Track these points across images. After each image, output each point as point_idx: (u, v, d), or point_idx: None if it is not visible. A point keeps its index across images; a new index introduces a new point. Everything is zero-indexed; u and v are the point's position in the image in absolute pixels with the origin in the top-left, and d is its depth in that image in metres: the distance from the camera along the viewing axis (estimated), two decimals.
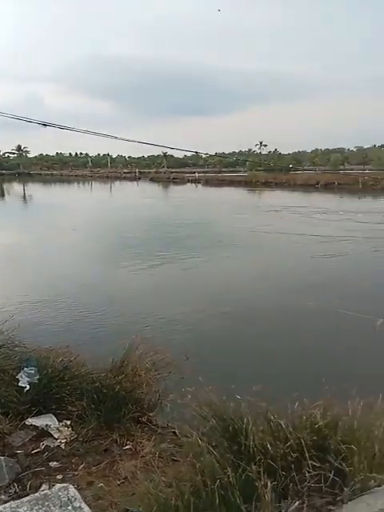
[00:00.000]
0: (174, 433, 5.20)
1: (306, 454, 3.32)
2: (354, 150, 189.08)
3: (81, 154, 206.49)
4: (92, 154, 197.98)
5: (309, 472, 3.31)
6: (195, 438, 3.60)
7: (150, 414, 5.57)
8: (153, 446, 4.86)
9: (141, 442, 5.00)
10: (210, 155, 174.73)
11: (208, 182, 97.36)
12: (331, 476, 3.24)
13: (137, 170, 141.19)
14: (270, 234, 26.15)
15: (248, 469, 3.31)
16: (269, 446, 3.38)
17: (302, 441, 3.37)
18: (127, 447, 4.96)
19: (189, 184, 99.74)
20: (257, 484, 3.17)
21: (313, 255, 20.09)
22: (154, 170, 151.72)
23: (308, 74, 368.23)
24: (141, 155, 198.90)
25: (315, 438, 3.41)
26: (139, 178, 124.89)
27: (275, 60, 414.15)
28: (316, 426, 3.46)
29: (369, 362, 8.71)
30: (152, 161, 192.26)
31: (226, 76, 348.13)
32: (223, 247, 22.23)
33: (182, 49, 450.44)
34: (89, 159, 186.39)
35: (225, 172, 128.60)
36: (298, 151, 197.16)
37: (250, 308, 12.51)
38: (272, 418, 3.59)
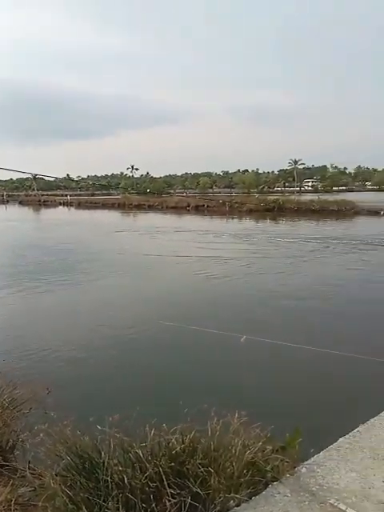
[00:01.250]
0: (33, 474, 4.82)
1: (165, 483, 3.23)
2: (221, 173, 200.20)
3: None
4: None
5: (169, 500, 3.22)
6: (48, 479, 3.35)
7: (8, 457, 5.12)
8: (9, 492, 4.44)
9: None
10: (82, 178, 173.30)
11: (81, 205, 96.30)
12: (189, 501, 3.19)
13: (4, 193, 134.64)
14: (150, 257, 26.15)
15: (105, 506, 3.14)
16: (126, 478, 3.24)
17: (161, 469, 3.27)
18: None
19: (61, 207, 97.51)
20: None
21: (191, 276, 20.42)
22: (23, 193, 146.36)
23: (180, 100, 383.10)
24: (8, 178, 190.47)
25: (173, 464, 3.33)
26: (7, 202, 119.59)
27: (145, 85, 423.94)
28: (174, 452, 3.39)
29: (227, 380, 8.82)
30: (21, 183, 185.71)
31: (97, 101, 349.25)
32: (92, 272, 21.68)
33: (52, 73, 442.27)
34: None
35: (98, 195, 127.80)
36: (169, 175, 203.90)
37: (111, 333, 12.08)
38: (130, 448, 3.46)
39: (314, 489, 3.39)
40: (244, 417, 3.89)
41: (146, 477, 3.25)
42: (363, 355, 6.30)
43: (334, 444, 4.05)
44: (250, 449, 3.54)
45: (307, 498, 3.28)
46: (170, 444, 3.46)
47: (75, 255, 26.56)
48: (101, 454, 3.45)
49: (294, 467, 3.68)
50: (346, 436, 4.18)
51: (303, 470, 3.66)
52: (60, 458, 3.54)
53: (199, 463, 3.35)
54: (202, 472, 3.30)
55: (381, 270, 21.42)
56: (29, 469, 4.80)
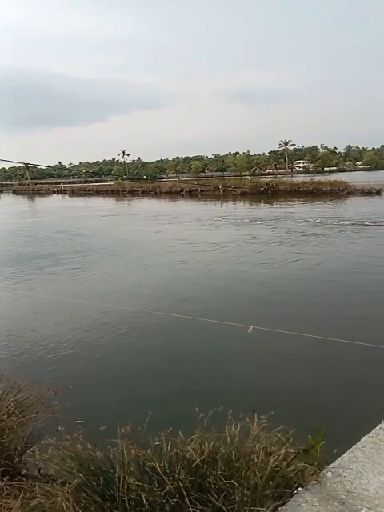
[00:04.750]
0: (43, 489, 4.62)
1: (186, 498, 3.04)
2: (212, 157, 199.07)
3: None
4: None
5: None
6: (60, 501, 3.15)
7: (17, 466, 4.92)
8: (20, 504, 4.24)
9: (6, 502, 4.35)
10: (74, 166, 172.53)
11: (74, 193, 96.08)
12: None
13: None
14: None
15: None
16: (144, 495, 3.04)
17: (180, 484, 3.07)
18: None
19: (55, 195, 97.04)
20: None
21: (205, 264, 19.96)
22: (16, 182, 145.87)
23: (166, 84, 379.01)
24: (0, 167, 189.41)
25: (193, 478, 3.13)
26: (1, 191, 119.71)
27: (130, 70, 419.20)
28: (193, 465, 3.18)
29: (240, 377, 8.26)
30: (13, 172, 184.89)
31: (83, 86, 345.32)
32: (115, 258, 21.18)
33: (35, 58, 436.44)
34: None
35: (91, 182, 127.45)
36: (161, 159, 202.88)
37: (122, 331, 11.16)
38: (146, 461, 3.26)
39: (342, 496, 3.20)
40: (263, 418, 3.70)
41: (166, 493, 3.06)
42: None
43: (358, 444, 3.85)
44: (272, 456, 3.34)
45: (337, 508, 3.08)
46: (188, 455, 3.25)
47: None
48: (115, 468, 3.25)
49: (320, 471, 3.48)
50: (370, 434, 3.98)
51: (329, 474, 3.47)
52: (72, 474, 3.34)
53: (221, 475, 3.15)
54: (224, 484, 3.10)
55: None
56: (38, 485, 4.61)
